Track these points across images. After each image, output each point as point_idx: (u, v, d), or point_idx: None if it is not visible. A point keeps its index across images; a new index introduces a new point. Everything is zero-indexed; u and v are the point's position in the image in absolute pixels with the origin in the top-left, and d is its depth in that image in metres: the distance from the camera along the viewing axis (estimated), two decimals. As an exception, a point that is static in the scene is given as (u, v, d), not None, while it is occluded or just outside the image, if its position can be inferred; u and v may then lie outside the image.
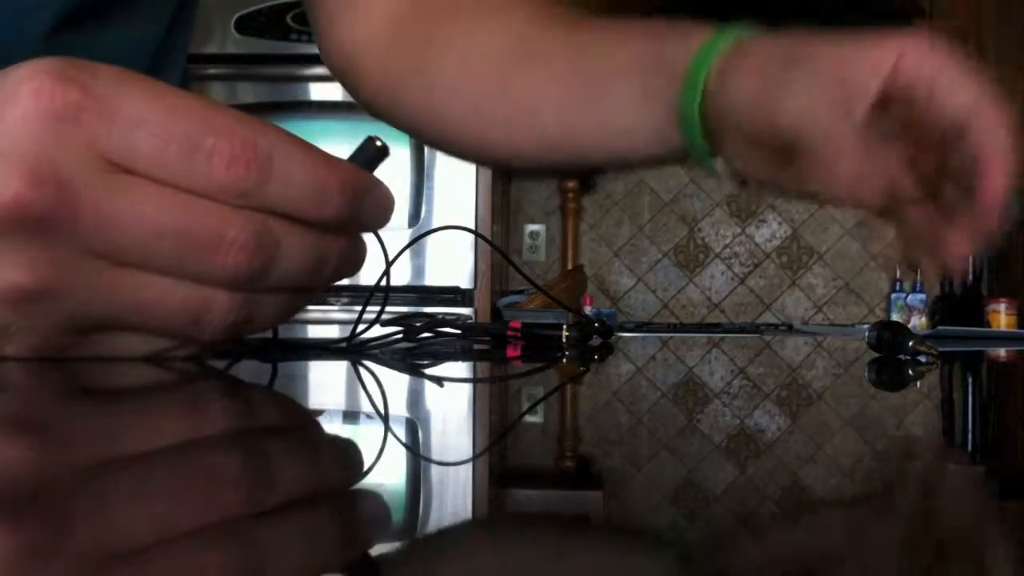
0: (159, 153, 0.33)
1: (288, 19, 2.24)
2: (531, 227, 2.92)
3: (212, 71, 2.22)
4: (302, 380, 0.45)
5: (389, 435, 0.28)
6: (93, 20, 0.59)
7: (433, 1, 0.65)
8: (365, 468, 0.22)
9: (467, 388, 0.44)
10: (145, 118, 0.33)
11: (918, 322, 2.75)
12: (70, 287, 0.35)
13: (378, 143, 0.41)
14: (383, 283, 0.65)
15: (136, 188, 0.33)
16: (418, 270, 2.20)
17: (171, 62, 0.68)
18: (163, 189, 0.33)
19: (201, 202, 0.34)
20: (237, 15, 2.24)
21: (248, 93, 2.24)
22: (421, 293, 2.18)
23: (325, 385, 0.44)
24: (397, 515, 0.18)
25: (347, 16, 0.66)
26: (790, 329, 2.58)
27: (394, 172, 2.16)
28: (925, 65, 0.45)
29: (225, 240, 0.34)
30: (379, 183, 0.39)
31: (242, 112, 0.35)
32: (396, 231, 2.16)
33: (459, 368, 0.54)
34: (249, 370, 0.47)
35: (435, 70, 0.63)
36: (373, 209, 0.38)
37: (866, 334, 0.64)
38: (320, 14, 0.68)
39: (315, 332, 2.01)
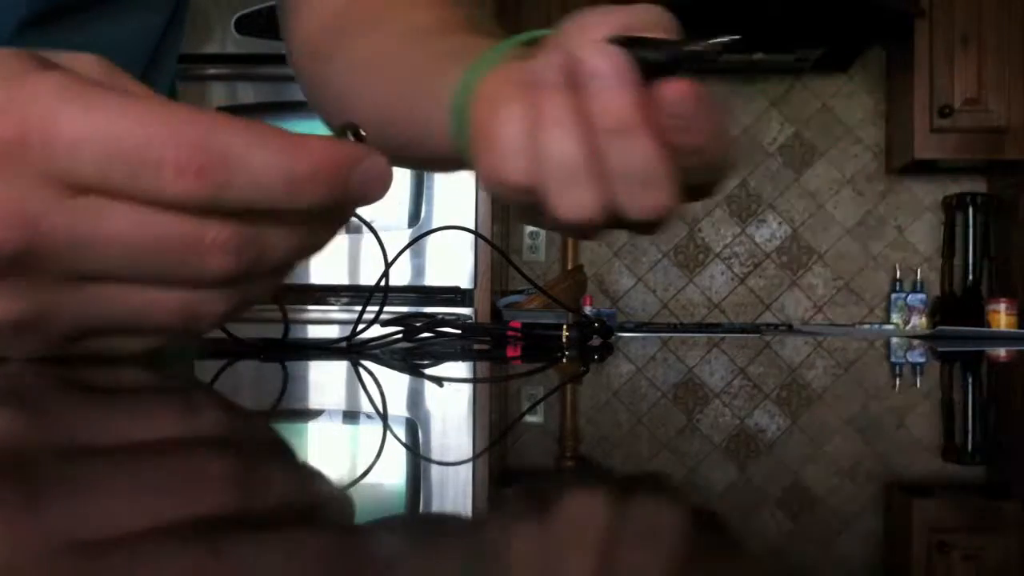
0: (105, 173, 0.32)
1: (288, 19, 2.24)
2: (531, 227, 2.92)
3: (212, 71, 2.21)
4: (302, 380, 0.45)
5: (389, 435, 0.28)
6: (72, 14, 0.59)
7: None
8: (365, 468, 0.22)
9: (467, 388, 0.44)
10: (85, 137, 0.31)
11: (918, 322, 2.75)
12: (57, 312, 0.34)
13: (354, 131, 0.38)
14: (383, 283, 0.65)
15: (105, 207, 0.32)
16: (418, 270, 2.19)
17: (166, 61, 0.68)
18: (133, 204, 0.32)
19: (172, 211, 0.33)
20: (237, 15, 2.24)
21: (248, 93, 2.24)
22: (421, 293, 2.18)
23: (325, 385, 0.44)
24: (396, 515, 0.18)
25: (296, 15, 0.67)
26: (790, 329, 2.58)
27: (395, 172, 2.16)
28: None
29: (204, 244, 0.33)
30: (369, 153, 0.35)
31: (194, 109, 0.33)
32: (396, 231, 2.16)
33: (459, 368, 0.54)
34: (249, 370, 0.48)
35: (344, 69, 0.61)
36: (365, 182, 0.35)
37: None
38: (281, 14, 0.69)
39: (315, 332, 2.01)
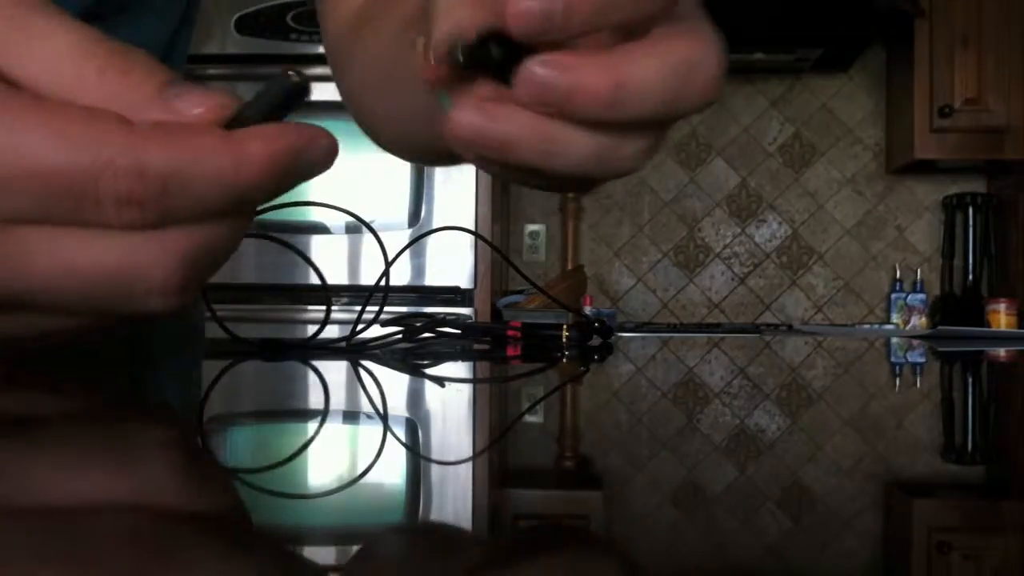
0: (45, 212, 0.30)
1: (288, 19, 2.24)
2: (531, 227, 2.92)
3: (212, 71, 2.22)
4: (302, 380, 0.45)
5: (389, 434, 0.28)
6: (101, 20, 0.59)
7: None
8: (366, 467, 0.22)
9: (467, 388, 0.44)
10: (16, 173, 0.30)
11: (918, 322, 2.75)
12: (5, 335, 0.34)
13: (293, 78, 0.34)
14: (383, 283, 0.65)
15: (49, 241, 0.31)
16: (418, 270, 2.19)
17: (175, 64, 0.68)
18: (73, 233, 0.31)
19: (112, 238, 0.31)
20: (237, 15, 2.24)
21: (248, 93, 2.23)
22: (421, 293, 2.18)
23: (325, 385, 0.44)
24: (397, 514, 0.18)
25: (332, 4, 0.66)
26: (790, 329, 2.58)
27: (394, 172, 2.17)
28: None
29: (149, 278, 0.31)
30: (313, 134, 0.33)
31: (119, 119, 0.30)
32: (396, 231, 2.16)
33: (459, 368, 0.54)
34: (250, 369, 0.48)
35: (355, 80, 0.60)
36: (310, 165, 0.33)
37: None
38: (317, 5, 0.68)
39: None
